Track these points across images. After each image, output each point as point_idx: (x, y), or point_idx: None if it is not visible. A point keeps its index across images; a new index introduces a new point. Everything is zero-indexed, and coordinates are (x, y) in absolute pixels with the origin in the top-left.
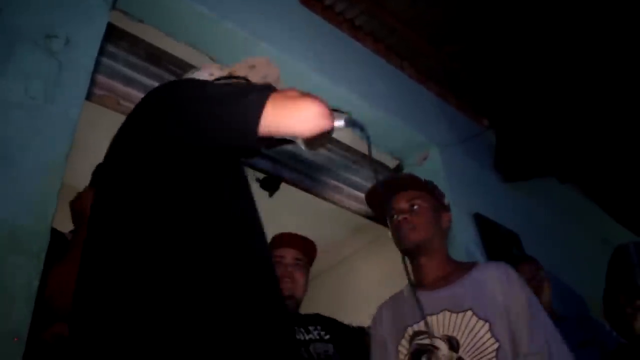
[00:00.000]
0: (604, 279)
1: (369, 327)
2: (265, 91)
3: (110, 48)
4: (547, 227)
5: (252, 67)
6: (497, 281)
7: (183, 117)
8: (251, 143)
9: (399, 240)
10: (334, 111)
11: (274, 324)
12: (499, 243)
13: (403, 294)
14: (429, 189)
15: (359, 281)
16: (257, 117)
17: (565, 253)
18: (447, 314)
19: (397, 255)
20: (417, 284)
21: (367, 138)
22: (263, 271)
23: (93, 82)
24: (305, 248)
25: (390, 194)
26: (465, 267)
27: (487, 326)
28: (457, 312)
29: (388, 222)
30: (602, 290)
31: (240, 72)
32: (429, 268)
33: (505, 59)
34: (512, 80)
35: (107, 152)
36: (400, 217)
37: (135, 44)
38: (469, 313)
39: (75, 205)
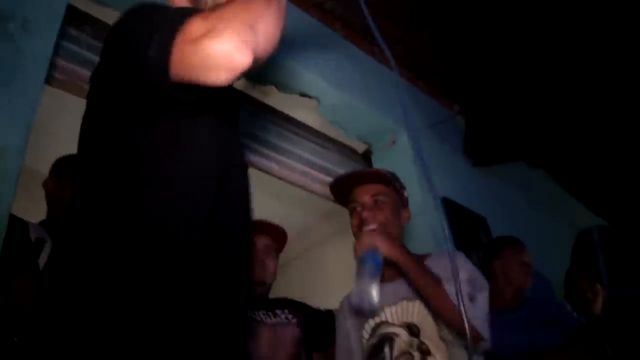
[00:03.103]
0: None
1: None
2: (170, 34)
3: (72, 31)
4: (516, 211)
5: None
6: (445, 268)
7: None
8: (168, 93)
9: (359, 234)
10: None
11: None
12: (466, 227)
13: None
14: (392, 184)
15: (329, 266)
16: (162, 73)
17: (533, 237)
18: (405, 303)
19: None
20: None
21: None
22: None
23: (55, 67)
24: (276, 235)
25: (354, 186)
26: (419, 259)
27: None
28: (415, 300)
29: (349, 213)
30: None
31: None
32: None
33: (475, 45)
34: (482, 65)
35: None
36: (365, 214)
37: (99, 28)
38: None
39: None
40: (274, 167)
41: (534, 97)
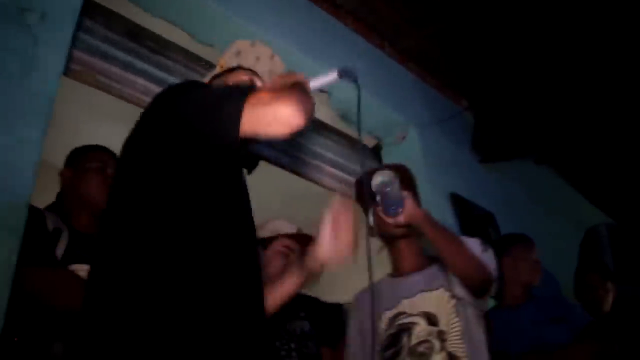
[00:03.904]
0: (576, 260)
1: (347, 304)
2: (242, 97)
3: (88, 23)
4: (523, 207)
5: (239, 53)
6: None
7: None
8: (235, 148)
9: (387, 225)
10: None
11: (252, 326)
12: (474, 223)
13: (380, 282)
14: (412, 184)
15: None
16: (235, 129)
17: (540, 233)
18: (423, 294)
19: None
20: (394, 270)
21: (358, 89)
22: (250, 273)
23: (70, 58)
24: (308, 244)
25: None
26: (435, 258)
27: (454, 301)
28: (432, 290)
29: (372, 208)
30: (574, 270)
31: (230, 62)
32: (408, 254)
33: (485, 40)
34: (492, 61)
35: (122, 148)
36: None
37: (114, 20)
38: (442, 290)
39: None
40: (284, 160)
41: (542, 94)
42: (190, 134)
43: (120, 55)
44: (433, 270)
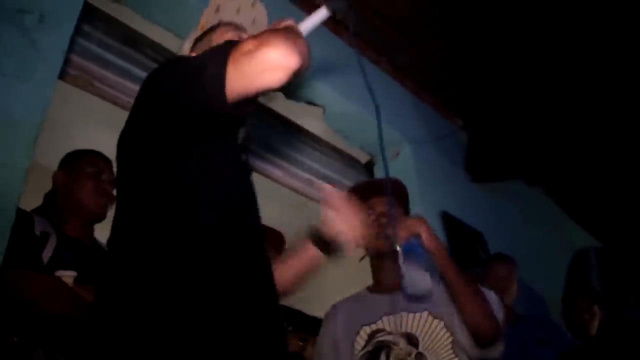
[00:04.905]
0: (564, 282)
1: None
2: (222, 57)
3: (86, 28)
4: (512, 228)
5: (219, 9)
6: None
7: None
8: (228, 113)
9: (375, 242)
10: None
11: (264, 318)
12: (463, 242)
13: (361, 295)
14: (404, 200)
15: (326, 272)
16: (221, 92)
17: (529, 254)
18: (405, 314)
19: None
20: (376, 287)
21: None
22: (258, 264)
23: (67, 62)
24: (273, 239)
25: (372, 195)
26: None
27: (442, 323)
28: (414, 313)
29: (363, 221)
30: (561, 291)
31: (210, 20)
32: (392, 272)
33: (481, 59)
34: (487, 81)
35: (119, 140)
36: (383, 220)
37: (112, 25)
38: (425, 313)
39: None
40: (276, 172)
41: (535, 116)
42: (179, 111)
43: (117, 61)
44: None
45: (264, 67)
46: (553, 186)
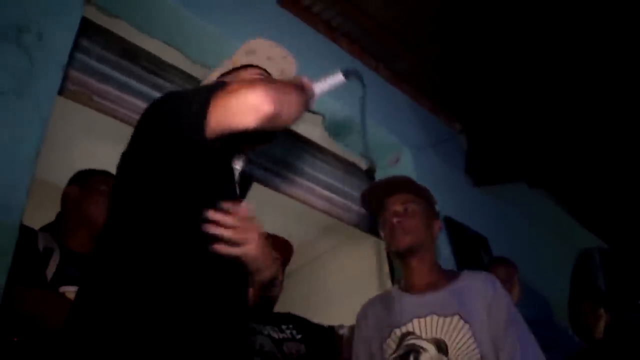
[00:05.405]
0: (569, 284)
1: (338, 327)
2: (208, 95)
3: (84, 43)
4: (516, 230)
5: (252, 52)
6: (483, 291)
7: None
8: (205, 144)
9: (391, 242)
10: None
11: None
12: (467, 246)
13: (390, 294)
14: (423, 194)
15: (329, 280)
16: (201, 125)
17: (532, 257)
18: (435, 317)
19: (366, 255)
20: (405, 287)
21: (363, 87)
22: (233, 274)
23: (66, 77)
24: (282, 248)
25: (385, 197)
26: (451, 275)
27: (471, 331)
28: (445, 316)
29: (380, 221)
30: (566, 293)
31: (241, 60)
32: (420, 271)
33: (479, 64)
34: (485, 84)
35: (119, 161)
36: (395, 220)
37: (110, 40)
38: (457, 317)
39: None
40: (277, 182)
41: (535, 118)
42: (170, 138)
43: (116, 75)
44: (447, 293)
45: (239, 107)
46: (555, 187)
